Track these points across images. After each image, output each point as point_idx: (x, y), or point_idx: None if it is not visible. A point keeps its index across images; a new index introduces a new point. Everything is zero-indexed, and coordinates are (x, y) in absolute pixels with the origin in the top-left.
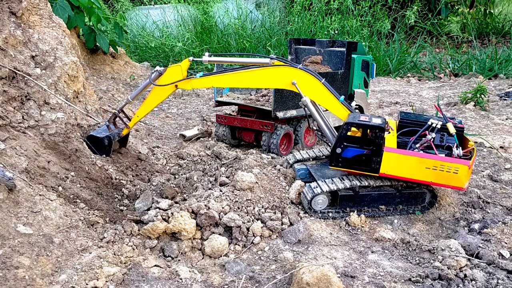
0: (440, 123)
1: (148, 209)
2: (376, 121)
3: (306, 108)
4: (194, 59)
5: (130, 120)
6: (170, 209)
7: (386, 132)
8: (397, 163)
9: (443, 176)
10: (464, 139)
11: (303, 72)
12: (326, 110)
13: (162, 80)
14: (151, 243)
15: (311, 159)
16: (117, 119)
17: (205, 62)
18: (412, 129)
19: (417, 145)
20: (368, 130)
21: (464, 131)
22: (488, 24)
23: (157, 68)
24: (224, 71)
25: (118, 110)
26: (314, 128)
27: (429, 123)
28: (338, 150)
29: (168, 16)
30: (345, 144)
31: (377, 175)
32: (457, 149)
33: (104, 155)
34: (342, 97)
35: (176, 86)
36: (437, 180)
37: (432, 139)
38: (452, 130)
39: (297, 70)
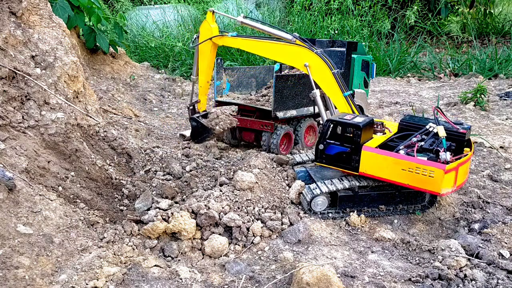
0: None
1: (148, 209)
2: (357, 120)
3: (314, 101)
4: (215, 11)
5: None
6: (170, 209)
7: (380, 133)
8: (374, 163)
9: (420, 179)
10: (470, 145)
11: (317, 57)
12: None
13: (200, 40)
14: (151, 243)
15: (310, 161)
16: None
17: (238, 23)
18: (407, 133)
19: (401, 147)
20: (349, 129)
21: (467, 137)
22: (488, 24)
23: (195, 35)
24: (252, 36)
25: (189, 105)
26: (321, 122)
27: (427, 127)
28: (321, 147)
29: (168, 16)
30: (327, 141)
31: (357, 173)
32: (444, 153)
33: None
34: (349, 92)
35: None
36: (413, 183)
37: (418, 142)
38: (441, 133)
39: (312, 54)
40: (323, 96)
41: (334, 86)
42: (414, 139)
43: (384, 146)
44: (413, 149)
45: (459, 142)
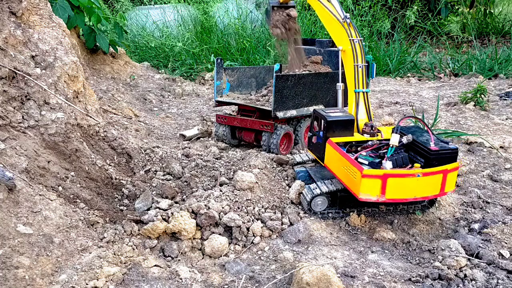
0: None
1: (148, 209)
2: (332, 114)
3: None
4: None
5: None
6: (170, 209)
7: (367, 135)
8: (331, 157)
9: (349, 178)
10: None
11: (348, 45)
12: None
13: None
14: (151, 243)
15: (310, 161)
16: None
17: None
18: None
19: (359, 148)
20: (321, 121)
21: (438, 156)
22: (488, 24)
23: None
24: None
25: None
26: None
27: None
28: (309, 134)
29: (168, 16)
30: (312, 131)
31: (323, 164)
32: (385, 162)
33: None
34: (362, 90)
35: None
36: (346, 182)
37: (375, 145)
38: (392, 142)
39: (347, 41)
40: (344, 91)
41: (351, 79)
42: (370, 142)
43: (355, 146)
44: (367, 151)
45: (426, 158)
